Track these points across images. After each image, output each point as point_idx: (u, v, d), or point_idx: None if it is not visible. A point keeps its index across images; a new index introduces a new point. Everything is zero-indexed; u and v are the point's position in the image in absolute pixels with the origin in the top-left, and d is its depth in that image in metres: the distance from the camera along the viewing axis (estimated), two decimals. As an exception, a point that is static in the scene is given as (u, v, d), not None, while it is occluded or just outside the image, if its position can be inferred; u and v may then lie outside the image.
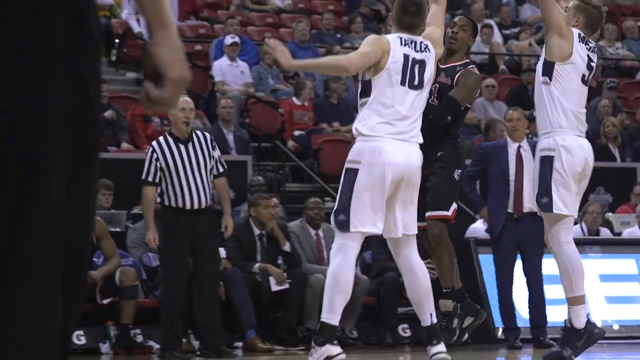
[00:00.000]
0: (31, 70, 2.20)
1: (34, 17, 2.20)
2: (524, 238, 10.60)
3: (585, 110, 7.37)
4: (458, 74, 7.72)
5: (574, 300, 7.23)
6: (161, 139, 10.03)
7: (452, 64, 7.61)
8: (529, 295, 10.79)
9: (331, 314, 6.73)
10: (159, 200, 9.92)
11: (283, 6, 17.67)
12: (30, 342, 2.18)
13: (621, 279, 11.92)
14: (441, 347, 6.91)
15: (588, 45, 7.10)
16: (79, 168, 2.28)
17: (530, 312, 10.80)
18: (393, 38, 6.92)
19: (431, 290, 6.93)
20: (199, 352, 10.02)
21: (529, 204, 10.66)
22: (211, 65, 15.48)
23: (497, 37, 17.99)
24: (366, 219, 6.70)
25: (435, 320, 6.94)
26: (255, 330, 10.46)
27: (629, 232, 12.59)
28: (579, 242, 12.44)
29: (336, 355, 6.79)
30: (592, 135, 15.17)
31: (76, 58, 2.26)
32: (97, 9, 2.35)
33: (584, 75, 7.09)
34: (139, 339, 10.48)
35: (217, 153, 10.07)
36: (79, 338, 10.33)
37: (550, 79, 7.05)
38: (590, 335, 7.17)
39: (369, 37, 7.04)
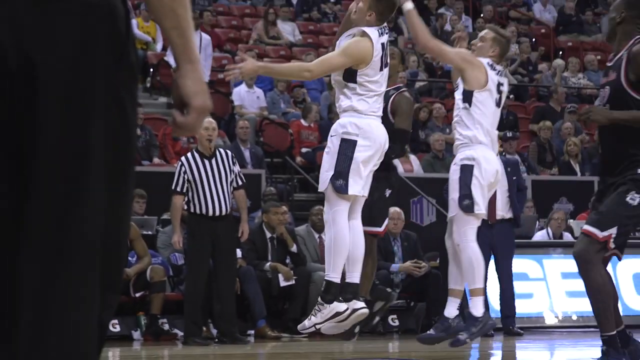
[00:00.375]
0: (79, 97, 2.18)
1: (82, 54, 2.18)
2: (496, 241, 10.53)
3: (497, 131, 7.35)
4: (392, 97, 7.56)
5: (476, 292, 7.10)
6: (189, 154, 10.04)
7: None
8: (500, 290, 10.75)
9: (335, 273, 6.48)
10: (185, 207, 9.90)
11: (294, 40, 17.60)
12: (75, 327, 2.17)
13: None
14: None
15: (496, 70, 7.05)
16: (117, 180, 2.26)
17: (501, 305, 10.76)
18: (373, 32, 6.61)
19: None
20: (216, 339, 9.98)
21: (501, 212, 10.62)
22: (231, 91, 15.47)
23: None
24: (358, 185, 6.46)
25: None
26: (265, 320, 10.41)
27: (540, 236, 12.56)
28: (545, 245, 12.49)
29: (344, 311, 6.55)
30: (556, 153, 15.23)
31: (118, 87, 2.24)
32: (136, 45, 2.33)
33: (497, 99, 7.06)
34: (166, 327, 10.49)
35: (237, 168, 10.05)
36: (114, 326, 10.31)
37: (470, 105, 7.02)
38: (485, 324, 7.09)
39: (353, 45, 6.59)
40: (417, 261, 11.18)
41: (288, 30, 17.66)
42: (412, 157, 14.13)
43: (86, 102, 2.21)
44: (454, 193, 7.13)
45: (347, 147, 6.47)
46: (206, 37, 15.33)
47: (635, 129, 5.68)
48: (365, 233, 7.06)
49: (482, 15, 19.84)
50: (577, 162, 15.04)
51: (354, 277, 6.60)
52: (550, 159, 15.19)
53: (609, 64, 6.05)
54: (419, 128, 14.99)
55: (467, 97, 7.08)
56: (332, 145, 6.50)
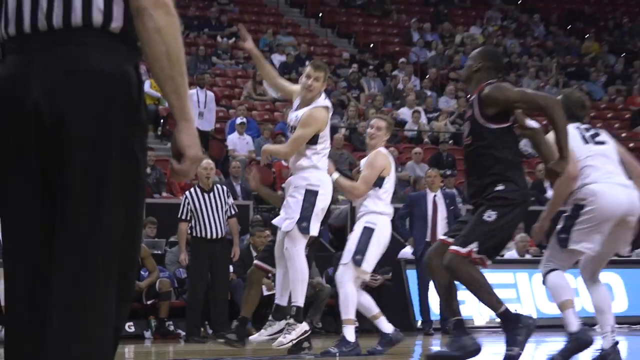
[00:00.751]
0: (99, 146, 2.22)
1: (102, 113, 2.22)
2: (437, 259, 10.57)
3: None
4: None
5: (348, 321, 7.28)
6: (192, 189, 10.10)
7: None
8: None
9: (301, 299, 6.55)
10: (189, 232, 9.96)
11: (277, 97, 17.73)
12: (94, 329, 2.20)
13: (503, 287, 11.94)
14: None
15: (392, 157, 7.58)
16: (130, 210, 2.28)
17: (440, 309, 10.78)
18: (327, 101, 6.75)
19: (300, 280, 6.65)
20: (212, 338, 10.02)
21: (442, 235, 10.70)
22: (226, 138, 15.48)
23: (423, 119, 17.98)
24: (316, 227, 6.58)
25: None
26: (251, 322, 10.41)
27: (509, 254, 12.64)
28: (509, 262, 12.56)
29: (308, 330, 6.75)
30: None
31: (131, 138, 2.26)
32: (146, 101, 2.35)
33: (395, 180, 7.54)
34: (171, 328, 10.50)
35: (230, 200, 10.13)
36: (129, 327, 10.31)
37: (380, 188, 7.37)
38: (356, 346, 7.35)
39: (318, 117, 6.62)
40: (373, 275, 11.26)
41: (272, 89, 17.77)
42: (371, 191, 14.17)
43: (105, 149, 2.21)
44: (350, 244, 7.22)
45: (311, 196, 6.54)
46: (210, 94, 15.34)
47: (481, 163, 5.55)
48: (261, 268, 7.20)
49: (427, 76, 19.86)
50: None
51: (299, 300, 6.63)
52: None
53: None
54: (376, 167, 15.02)
55: (378, 182, 7.30)
56: (298, 195, 6.56)
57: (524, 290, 12.11)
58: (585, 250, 5.79)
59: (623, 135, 18.91)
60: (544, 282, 5.96)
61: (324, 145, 6.65)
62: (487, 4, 24.80)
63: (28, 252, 2.25)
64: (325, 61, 19.87)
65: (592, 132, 6.04)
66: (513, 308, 5.93)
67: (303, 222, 6.49)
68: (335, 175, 7.08)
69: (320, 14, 22.35)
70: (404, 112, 17.66)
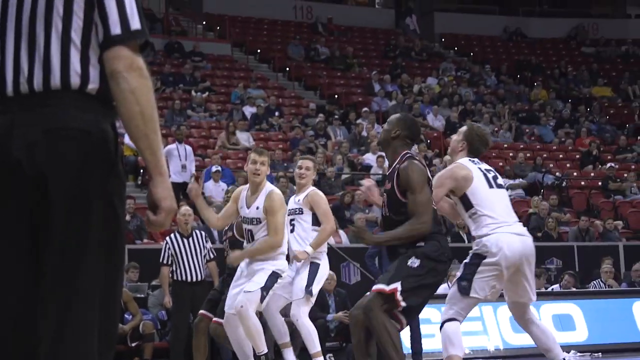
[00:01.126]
0: (79, 196, 2.24)
1: (81, 167, 2.24)
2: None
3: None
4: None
5: (316, 355, 7.31)
6: (172, 235, 9.98)
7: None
8: (410, 331, 10.69)
9: (264, 347, 6.85)
10: (170, 275, 9.83)
11: (249, 146, 17.69)
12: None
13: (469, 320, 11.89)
14: None
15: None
16: (110, 259, 2.28)
17: (411, 343, 10.70)
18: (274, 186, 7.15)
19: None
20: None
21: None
22: (203, 185, 15.38)
23: (387, 163, 18.00)
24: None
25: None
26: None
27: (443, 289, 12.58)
28: (442, 297, 12.53)
29: None
30: (449, 226, 15.22)
31: (109, 190, 2.29)
32: (126, 153, 2.38)
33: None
34: (156, 369, 10.32)
35: (209, 244, 10.04)
36: (116, 369, 10.11)
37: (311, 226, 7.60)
38: None
39: (279, 202, 6.84)
40: (347, 312, 11.18)
41: (244, 138, 17.77)
42: (341, 232, 14.12)
43: (85, 202, 2.24)
44: (301, 282, 7.30)
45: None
46: (189, 148, 15.31)
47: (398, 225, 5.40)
48: (207, 317, 7.66)
49: (390, 124, 20.07)
50: (465, 232, 15.11)
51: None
52: (444, 230, 15.30)
53: (387, 174, 5.71)
54: (344, 209, 15.05)
55: (315, 220, 7.42)
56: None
57: (489, 322, 12.07)
58: (485, 298, 5.62)
59: (575, 174, 19.12)
60: (440, 328, 5.72)
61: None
62: (442, 57, 25.15)
63: (12, 299, 2.23)
64: (293, 112, 20.02)
65: (492, 174, 5.82)
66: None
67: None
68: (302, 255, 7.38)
69: (287, 69, 22.56)
70: (369, 158, 17.72)
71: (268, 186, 6.80)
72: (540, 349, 5.85)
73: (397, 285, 5.19)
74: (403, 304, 5.19)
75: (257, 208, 6.70)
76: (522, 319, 5.89)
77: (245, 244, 7.09)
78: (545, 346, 5.77)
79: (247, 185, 7.01)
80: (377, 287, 5.28)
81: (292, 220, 7.38)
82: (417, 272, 5.25)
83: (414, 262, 5.27)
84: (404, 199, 5.37)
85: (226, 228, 8.43)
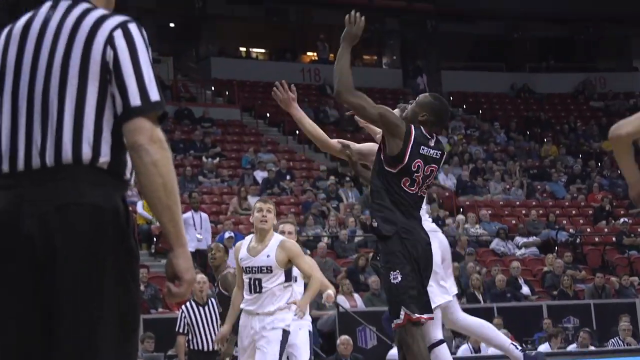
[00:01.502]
0: (91, 272, 2.25)
1: (93, 242, 2.26)
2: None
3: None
4: None
5: None
6: (187, 303, 9.97)
7: None
8: None
9: None
10: (186, 345, 9.86)
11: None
12: None
13: None
14: None
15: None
16: (124, 330, 2.28)
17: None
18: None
19: None
20: None
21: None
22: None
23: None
24: None
25: None
26: None
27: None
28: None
29: None
30: (464, 287, 15.18)
31: (121, 266, 2.29)
32: (139, 222, 2.43)
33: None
34: None
35: (224, 311, 10.06)
36: None
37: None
38: None
39: (295, 246, 6.56)
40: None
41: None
42: (356, 296, 14.07)
43: (97, 278, 2.24)
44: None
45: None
46: (204, 215, 15.41)
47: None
48: None
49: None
50: (480, 293, 15.13)
51: None
52: (459, 291, 15.27)
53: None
54: (359, 272, 15.04)
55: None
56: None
57: None
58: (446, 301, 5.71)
59: (588, 230, 19.14)
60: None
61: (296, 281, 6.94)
62: (451, 115, 25.30)
63: None
64: (304, 175, 20.16)
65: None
66: None
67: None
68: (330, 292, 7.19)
69: (297, 132, 22.61)
70: (382, 219, 17.73)
71: (277, 235, 6.52)
72: (484, 341, 5.93)
73: (403, 311, 5.05)
74: (418, 315, 5.06)
75: (268, 256, 6.35)
76: (455, 320, 5.95)
77: (247, 294, 6.62)
78: (487, 335, 5.96)
79: (248, 238, 6.71)
80: (394, 324, 5.19)
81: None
82: (403, 283, 5.03)
83: (395, 277, 5.05)
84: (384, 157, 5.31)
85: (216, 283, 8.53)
